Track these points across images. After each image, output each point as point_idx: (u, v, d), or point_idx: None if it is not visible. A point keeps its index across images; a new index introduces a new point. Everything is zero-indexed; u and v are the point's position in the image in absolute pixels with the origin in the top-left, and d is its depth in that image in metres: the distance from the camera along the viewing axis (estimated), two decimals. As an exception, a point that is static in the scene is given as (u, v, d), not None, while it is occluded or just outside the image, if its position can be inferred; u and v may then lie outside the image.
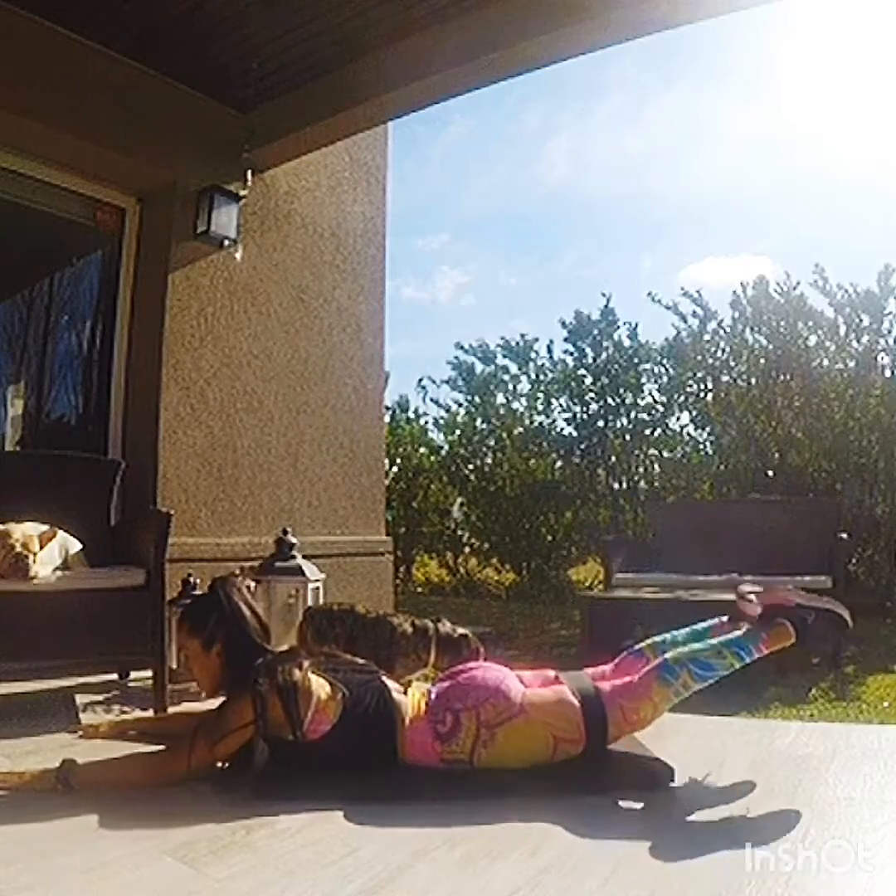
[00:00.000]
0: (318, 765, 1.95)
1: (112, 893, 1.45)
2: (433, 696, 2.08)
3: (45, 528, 2.82)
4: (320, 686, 2.01)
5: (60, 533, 2.94)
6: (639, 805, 1.85)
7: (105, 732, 2.44)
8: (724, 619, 2.21)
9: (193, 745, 1.96)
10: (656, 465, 7.26)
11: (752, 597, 2.17)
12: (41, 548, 2.74)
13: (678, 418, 7.19)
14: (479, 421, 8.14)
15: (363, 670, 2.17)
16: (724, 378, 6.66)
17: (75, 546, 3.01)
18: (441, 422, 8.42)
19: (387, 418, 6.96)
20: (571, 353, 7.59)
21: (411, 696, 2.10)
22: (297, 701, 1.94)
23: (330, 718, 1.98)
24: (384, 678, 2.14)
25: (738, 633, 2.08)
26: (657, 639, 2.21)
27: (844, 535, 4.12)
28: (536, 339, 7.94)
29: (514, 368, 8.02)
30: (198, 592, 2.18)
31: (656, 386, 7.26)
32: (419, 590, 8.26)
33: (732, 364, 6.67)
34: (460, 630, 2.82)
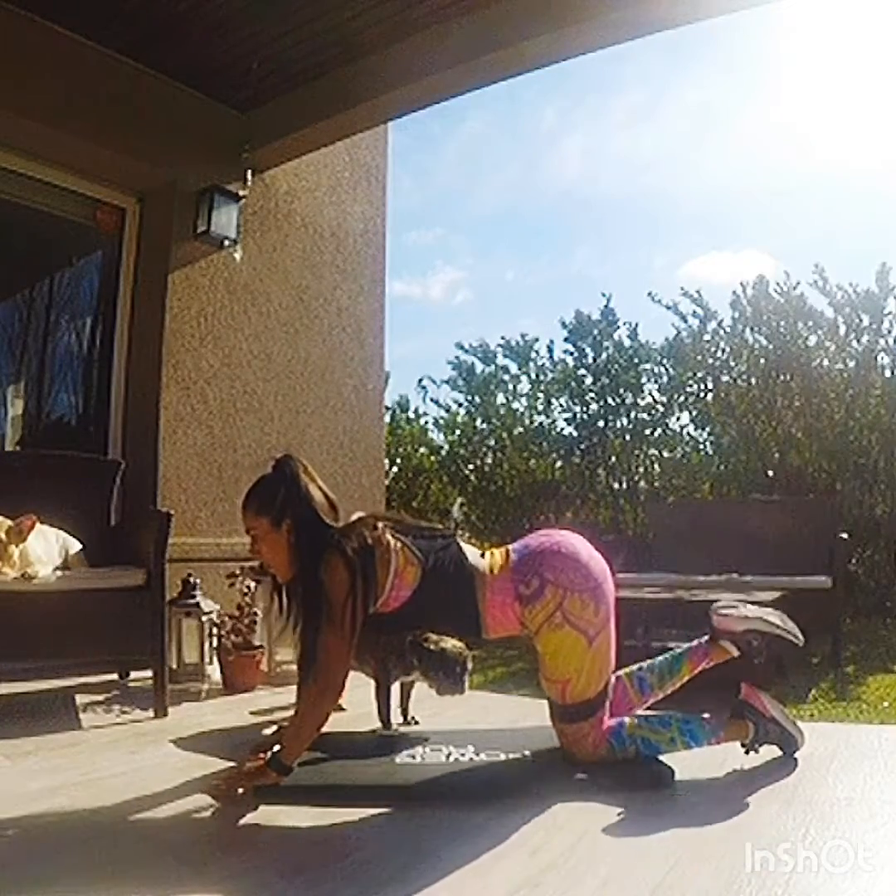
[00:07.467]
0: (402, 629, 1.93)
1: (112, 893, 1.44)
2: (516, 556, 2.03)
3: (12, 521, 2.68)
4: (397, 551, 1.98)
5: (59, 532, 2.95)
6: (639, 805, 1.85)
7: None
8: (704, 639, 2.25)
9: (327, 642, 1.87)
10: (656, 465, 7.25)
11: (730, 612, 2.22)
12: (11, 540, 2.62)
13: (678, 418, 7.17)
14: (479, 421, 8.13)
15: (436, 535, 2.10)
16: (724, 378, 6.65)
17: (75, 546, 3.01)
18: (441, 422, 8.41)
19: (387, 418, 6.95)
20: (571, 353, 7.57)
21: (488, 558, 2.05)
22: (376, 562, 1.91)
23: (410, 584, 1.96)
24: (460, 541, 2.08)
25: (697, 721, 2.08)
26: (634, 667, 2.23)
27: (844, 535, 4.11)
28: (537, 339, 7.93)
29: (514, 368, 8.02)
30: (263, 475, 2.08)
31: (656, 386, 7.24)
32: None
33: (732, 364, 6.66)
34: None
